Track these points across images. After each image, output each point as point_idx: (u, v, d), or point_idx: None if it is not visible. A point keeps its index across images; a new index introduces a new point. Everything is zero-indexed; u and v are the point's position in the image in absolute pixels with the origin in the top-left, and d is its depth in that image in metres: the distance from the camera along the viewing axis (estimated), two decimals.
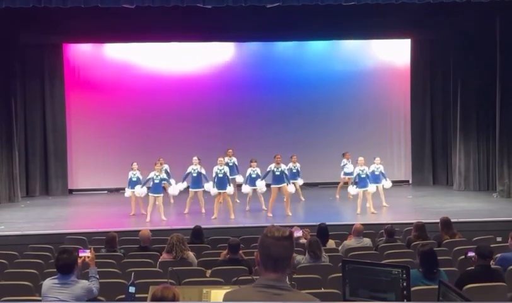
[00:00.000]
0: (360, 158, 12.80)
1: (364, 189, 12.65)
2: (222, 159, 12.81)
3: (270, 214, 12.47)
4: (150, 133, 16.24)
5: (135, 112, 16.54)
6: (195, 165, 12.94)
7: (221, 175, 12.54)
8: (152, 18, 14.03)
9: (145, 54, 16.86)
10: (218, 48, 16.78)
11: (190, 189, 13.03)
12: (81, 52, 16.79)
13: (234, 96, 16.67)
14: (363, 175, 12.69)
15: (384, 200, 13.23)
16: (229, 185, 12.69)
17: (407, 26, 15.50)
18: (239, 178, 13.87)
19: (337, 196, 14.74)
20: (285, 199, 12.55)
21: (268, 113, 16.66)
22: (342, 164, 14.73)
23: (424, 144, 16.87)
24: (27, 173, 16.03)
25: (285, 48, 16.95)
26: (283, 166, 12.60)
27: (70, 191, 16.58)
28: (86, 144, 16.63)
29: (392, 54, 17.09)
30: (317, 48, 16.98)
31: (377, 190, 13.12)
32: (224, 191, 12.51)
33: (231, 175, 13.38)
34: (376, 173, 13.07)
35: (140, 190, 12.52)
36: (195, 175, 12.94)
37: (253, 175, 13.03)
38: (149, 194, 12.39)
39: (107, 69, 16.65)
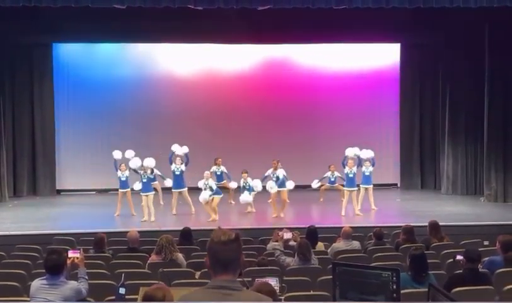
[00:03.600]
0: (350, 161, 12.89)
1: (351, 189, 12.76)
2: (208, 172, 12.76)
3: (275, 215, 12.57)
4: (140, 134, 16.15)
5: (125, 113, 16.46)
6: (179, 164, 12.91)
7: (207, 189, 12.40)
8: (143, 19, 13.99)
9: (135, 54, 16.81)
10: (210, 49, 16.76)
11: (174, 190, 13.02)
12: (70, 51, 16.69)
13: (229, 98, 16.65)
14: (351, 175, 12.82)
15: (373, 203, 13.27)
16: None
17: (396, 31, 15.55)
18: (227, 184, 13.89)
19: (321, 200, 14.74)
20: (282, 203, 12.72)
21: (257, 115, 16.64)
22: (324, 175, 14.63)
23: (412, 148, 16.95)
24: (14, 172, 15.89)
25: (273, 50, 16.96)
26: (279, 172, 12.63)
27: (58, 191, 16.47)
28: (75, 144, 16.52)
29: (381, 58, 17.17)
30: (306, 50, 17.01)
31: (366, 193, 13.18)
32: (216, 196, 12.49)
33: (218, 182, 13.46)
34: (366, 174, 13.12)
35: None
36: (178, 173, 12.92)
37: (246, 187, 13.07)
38: (141, 193, 12.44)
39: (96, 69, 16.54)
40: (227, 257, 2.68)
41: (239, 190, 13.25)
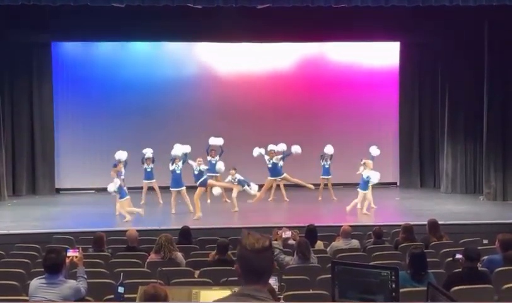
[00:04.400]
0: (369, 161, 13.00)
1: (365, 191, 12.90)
2: (200, 159, 12.85)
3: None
4: (138, 132, 16.14)
5: (124, 112, 16.45)
6: (177, 163, 12.95)
7: (196, 172, 12.63)
8: (142, 17, 14.00)
9: (134, 53, 16.80)
10: (211, 48, 16.77)
11: (173, 189, 13.04)
12: (69, 50, 16.70)
13: (225, 96, 16.67)
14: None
15: (372, 202, 13.29)
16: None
17: (396, 29, 15.57)
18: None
19: (320, 198, 14.75)
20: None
21: (255, 113, 16.65)
22: (321, 164, 14.72)
23: (411, 147, 16.95)
24: (13, 171, 15.86)
25: (270, 50, 16.94)
26: (275, 159, 12.70)
27: (58, 190, 16.45)
28: (74, 143, 16.52)
29: (381, 57, 17.16)
30: (306, 48, 17.00)
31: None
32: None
33: (211, 173, 13.63)
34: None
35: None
36: (178, 172, 12.97)
37: (235, 183, 13.15)
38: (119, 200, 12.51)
39: (96, 68, 16.55)
40: (261, 267, 2.50)
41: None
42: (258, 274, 2.52)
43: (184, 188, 12.98)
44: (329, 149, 14.52)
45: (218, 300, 2.69)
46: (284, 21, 14.27)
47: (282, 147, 14.21)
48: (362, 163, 13.17)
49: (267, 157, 13.90)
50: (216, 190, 13.19)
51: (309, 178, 15.03)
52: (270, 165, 13.85)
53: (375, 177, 12.81)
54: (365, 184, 12.82)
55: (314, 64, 17.05)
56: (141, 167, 14.28)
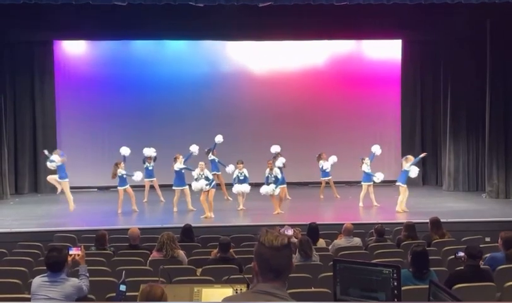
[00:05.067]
0: (410, 156, 13.11)
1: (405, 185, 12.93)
2: (202, 163, 12.67)
3: (277, 212, 12.50)
4: (140, 131, 16.16)
5: (125, 110, 16.47)
6: (180, 162, 12.94)
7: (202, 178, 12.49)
8: (143, 16, 13.99)
9: (136, 52, 16.80)
10: (210, 46, 16.75)
11: (175, 188, 13.05)
12: (71, 48, 16.70)
13: (226, 95, 16.69)
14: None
15: (374, 200, 13.31)
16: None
17: (398, 27, 15.56)
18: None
19: (321, 196, 14.73)
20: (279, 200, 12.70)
21: (254, 112, 16.65)
22: (320, 166, 14.66)
23: (413, 145, 16.92)
24: (16, 170, 15.91)
25: (281, 47, 16.94)
26: (275, 171, 12.60)
27: None
28: (76, 141, 16.51)
29: (383, 54, 17.13)
30: (306, 48, 16.99)
31: (367, 190, 13.29)
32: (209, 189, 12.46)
33: (212, 171, 13.60)
34: (367, 171, 13.25)
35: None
36: (183, 171, 12.96)
37: (241, 178, 13.03)
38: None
39: (97, 67, 16.57)
40: (280, 264, 2.49)
41: (233, 182, 13.18)
42: (276, 271, 2.50)
43: (187, 187, 12.98)
44: (333, 159, 14.35)
45: (234, 297, 2.68)
46: (284, 19, 14.26)
47: (275, 149, 13.98)
48: (402, 159, 13.23)
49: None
50: (237, 188, 13.00)
51: (310, 177, 14.99)
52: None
53: (414, 172, 12.78)
54: (405, 178, 12.73)
55: (315, 62, 17.03)
56: (142, 166, 14.26)
